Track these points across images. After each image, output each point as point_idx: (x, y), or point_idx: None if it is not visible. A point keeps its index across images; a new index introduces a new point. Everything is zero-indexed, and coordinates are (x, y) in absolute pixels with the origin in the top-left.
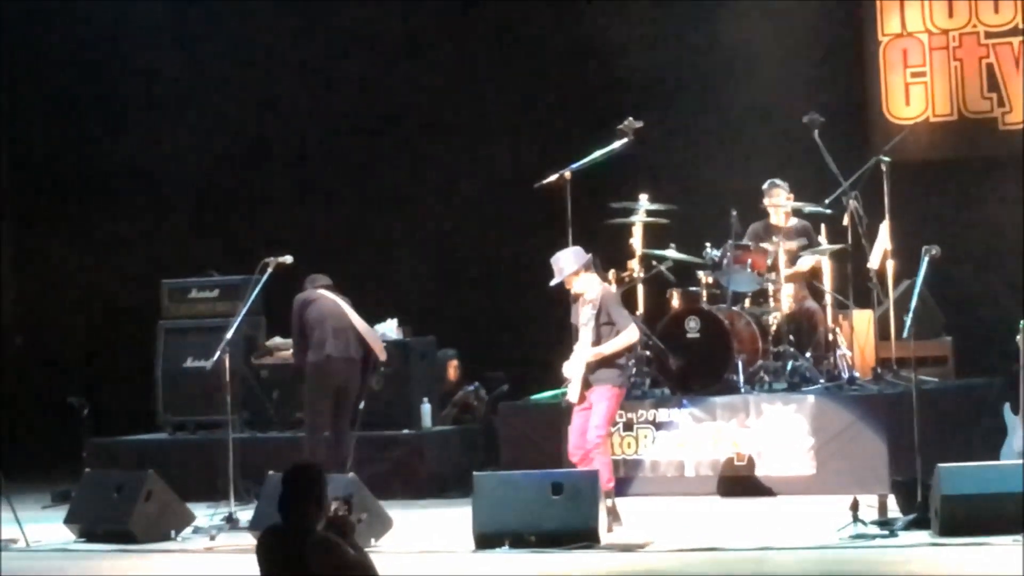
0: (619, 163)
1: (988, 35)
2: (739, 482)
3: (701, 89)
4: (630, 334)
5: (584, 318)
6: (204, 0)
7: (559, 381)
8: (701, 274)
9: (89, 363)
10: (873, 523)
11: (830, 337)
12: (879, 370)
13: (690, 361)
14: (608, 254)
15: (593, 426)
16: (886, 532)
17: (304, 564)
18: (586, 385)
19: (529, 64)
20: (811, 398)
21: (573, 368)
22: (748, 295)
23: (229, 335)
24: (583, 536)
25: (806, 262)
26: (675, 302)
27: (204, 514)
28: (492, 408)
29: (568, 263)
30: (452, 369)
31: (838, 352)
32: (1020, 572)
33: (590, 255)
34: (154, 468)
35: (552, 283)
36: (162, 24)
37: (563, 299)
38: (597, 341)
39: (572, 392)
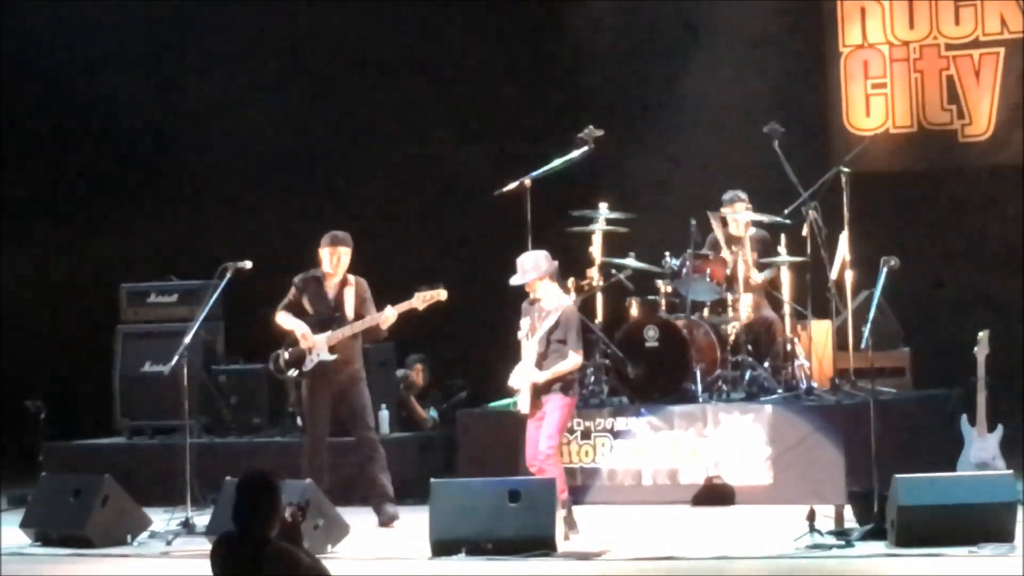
0: (579, 171)
1: (948, 47)
2: (704, 491)
3: (662, 98)
4: (573, 360)
5: (540, 331)
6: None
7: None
8: (660, 283)
9: (46, 366)
10: (829, 533)
11: (788, 347)
12: (837, 380)
13: (648, 370)
14: (567, 262)
15: (544, 436)
16: (842, 542)
17: (259, 573)
18: (537, 395)
19: (489, 71)
20: (769, 408)
21: (520, 378)
22: (707, 304)
23: (187, 340)
24: (540, 544)
25: (764, 274)
26: (634, 311)
27: (161, 519)
28: (450, 415)
29: (535, 266)
30: (417, 373)
31: (796, 362)
32: None
33: (556, 263)
34: (111, 472)
35: (513, 281)
36: (134, 26)
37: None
38: (545, 353)
39: (522, 403)
